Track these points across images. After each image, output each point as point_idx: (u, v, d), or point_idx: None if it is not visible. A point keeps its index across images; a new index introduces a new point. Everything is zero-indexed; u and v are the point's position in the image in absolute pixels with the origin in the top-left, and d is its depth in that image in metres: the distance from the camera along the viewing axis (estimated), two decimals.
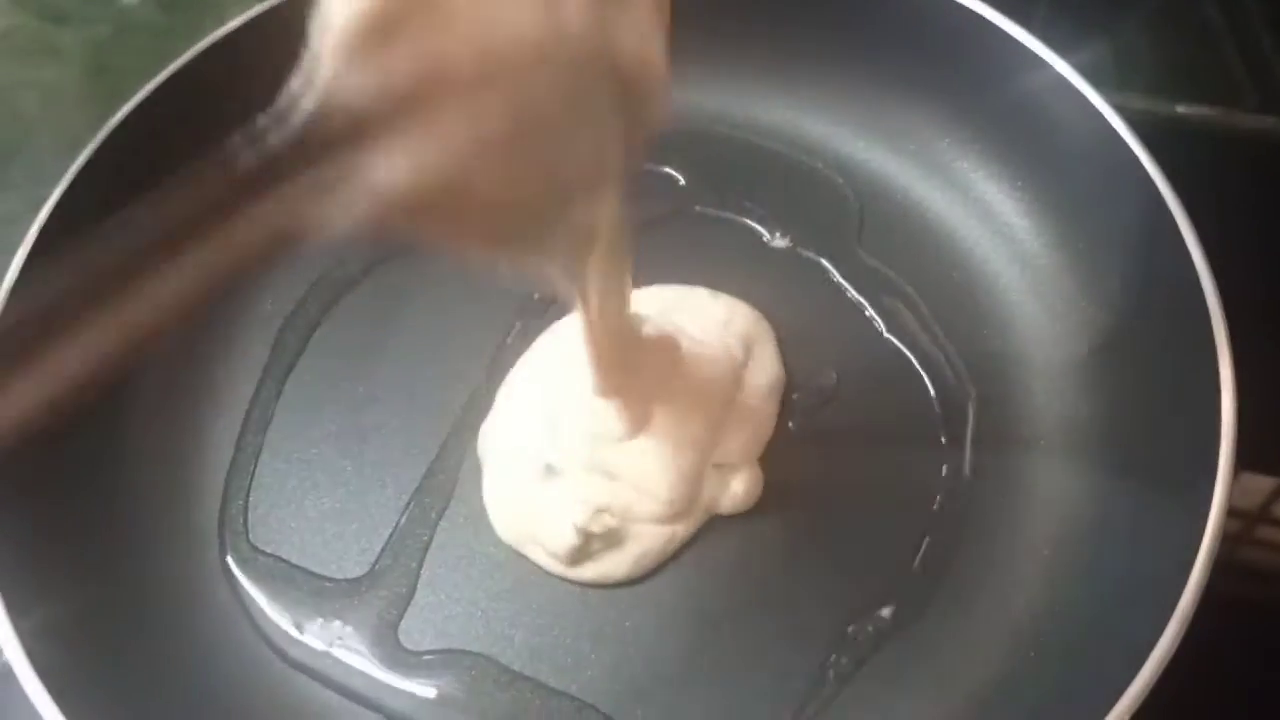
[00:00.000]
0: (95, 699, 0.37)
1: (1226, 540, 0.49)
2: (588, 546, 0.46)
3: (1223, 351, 0.40)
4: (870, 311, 0.51)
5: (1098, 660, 0.37)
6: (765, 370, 0.50)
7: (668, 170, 0.56)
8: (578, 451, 0.47)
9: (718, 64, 0.56)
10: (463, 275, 0.52)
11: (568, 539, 0.45)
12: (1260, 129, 0.64)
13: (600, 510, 0.46)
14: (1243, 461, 0.50)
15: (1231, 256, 0.50)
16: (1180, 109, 0.65)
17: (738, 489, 0.47)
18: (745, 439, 0.48)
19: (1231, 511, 0.49)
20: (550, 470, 0.47)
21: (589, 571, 0.46)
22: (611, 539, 0.46)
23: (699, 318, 0.51)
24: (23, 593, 0.39)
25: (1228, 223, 0.56)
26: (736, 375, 0.49)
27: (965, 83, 0.51)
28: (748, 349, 0.51)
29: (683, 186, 0.55)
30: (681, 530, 0.47)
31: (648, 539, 0.46)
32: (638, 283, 0.43)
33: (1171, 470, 0.40)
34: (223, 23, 0.69)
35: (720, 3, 0.54)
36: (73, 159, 0.64)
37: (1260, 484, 0.51)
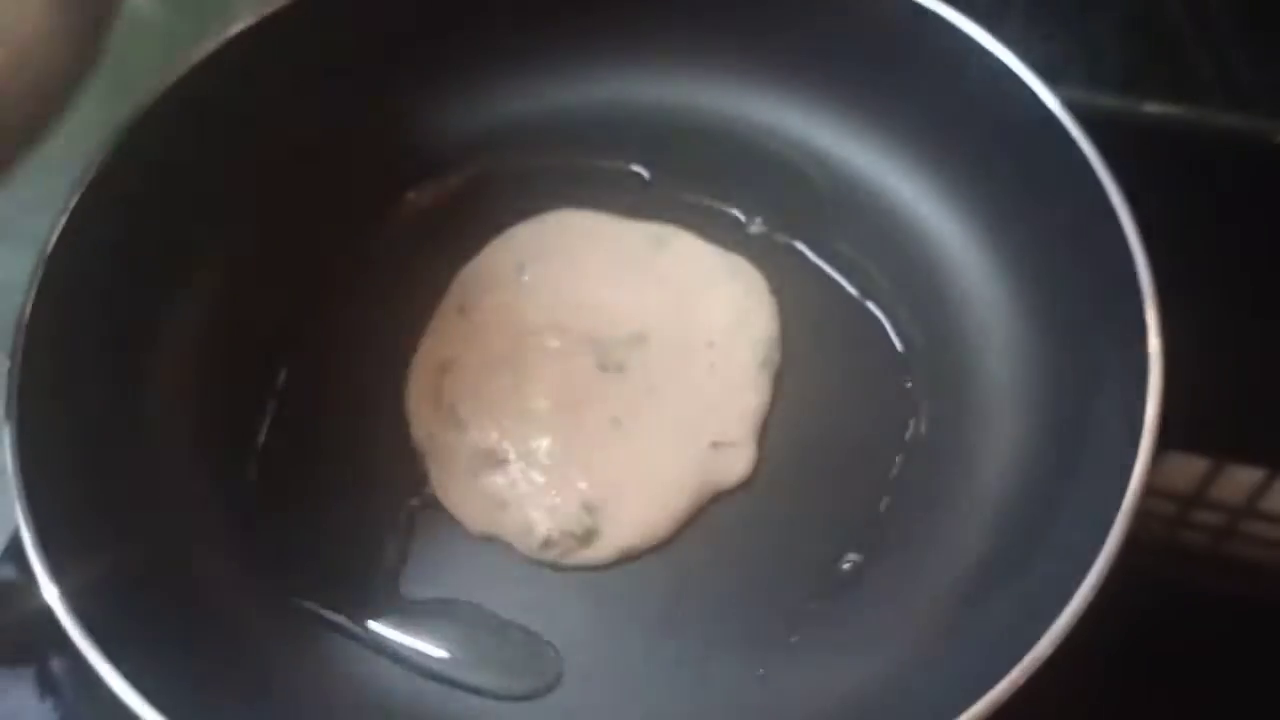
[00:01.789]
0: (134, 641, 0.41)
1: (1162, 522, 0.53)
2: (560, 545, 0.48)
3: (1153, 334, 0.43)
4: (847, 289, 0.54)
5: (1030, 606, 0.40)
6: (758, 342, 0.52)
7: (635, 168, 0.59)
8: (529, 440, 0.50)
9: (694, 61, 0.59)
10: None
11: (530, 545, 0.48)
12: (1225, 126, 0.66)
13: (577, 508, 0.48)
14: (1179, 443, 0.54)
15: (1187, 246, 0.52)
16: (1149, 107, 0.67)
17: (739, 466, 0.50)
18: (743, 414, 0.51)
19: (1170, 494, 0.53)
20: (500, 459, 0.50)
21: (569, 562, 0.48)
22: (590, 536, 0.48)
23: (692, 267, 0.54)
24: (70, 558, 0.42)
25: (1190, 215, 0.58)
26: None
27: (928, 81, 0.54)
28: (741, 315, 0.53)
29: (649, 180, 0.59)
30: (677, 518, 0.48)
31: (637, 532, 0.48)
32: None
33: (1105, 440, 0.43)
34: (229, 22, 0.73)
35: (694, 4, 0.57)
36: (82, 151, 0.68)
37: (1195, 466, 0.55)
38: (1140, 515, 0.51)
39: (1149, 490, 0.51)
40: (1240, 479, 0.55)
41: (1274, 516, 0.54)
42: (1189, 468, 0.55)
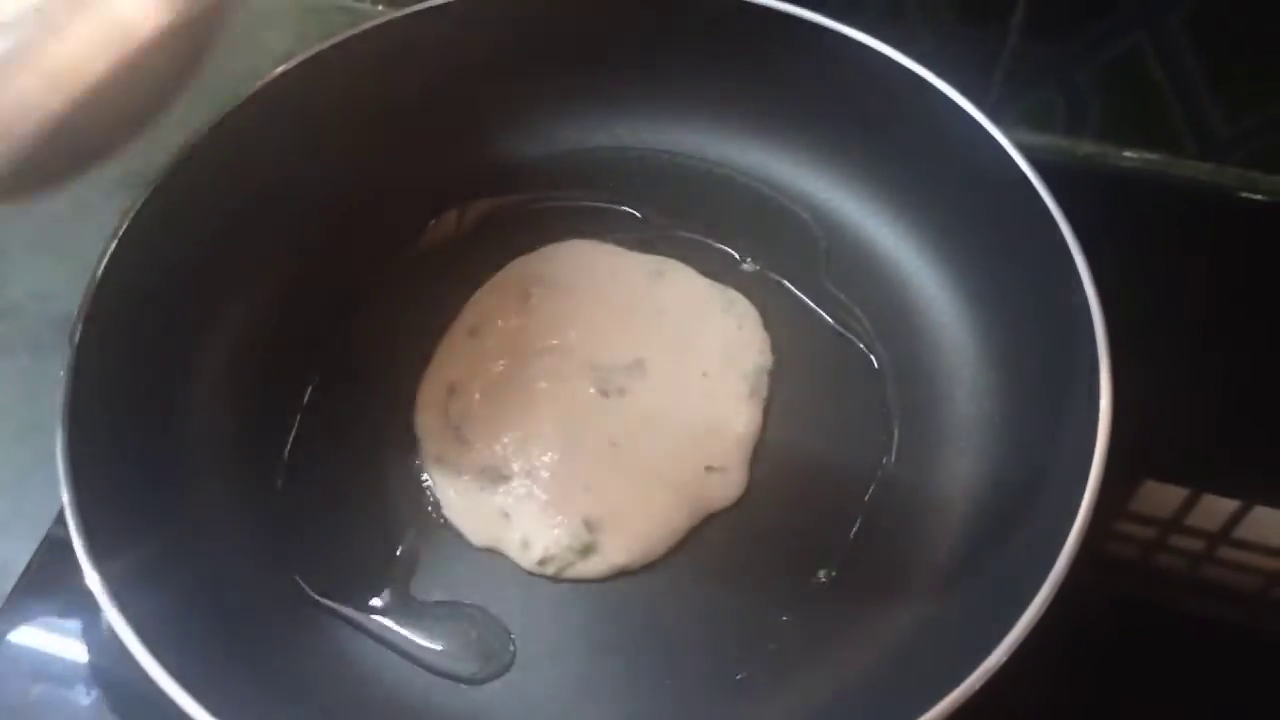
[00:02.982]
0: (168, 626, 0.44)
1: (1140, 546, 0.56)
2: (558, 560, 0.51)
3: (1104, 374, 0.46)
4: (833, 325, 0.58)
5: (985, 620, 0.43)
6: (749, 373, 0.56)
7: (638, 210, 0.63)
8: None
9: (697, 114, 0.64)
10: None
11: (529, 560, 0.51)
12: (1198, 176, 0.70)
13: (577, 525, 0.51)
14: (1156, 473, 0.57)
15: (1149, 285, 0.58)
16: (1127, 154, 0.71)
17: (730, 489, 0.52)
18: (734, 441, 0.54)
19: (1146, 519, 0.57)
20: (503, 477, 0.53)
21: (567, 575, 0.51)
22: (588, 551, 0.51)
23: (689, 299, 0.58)
24: (110, 544, 0.45)
25: (1168, 257, 0.63)
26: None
27: (911, 138, 0.58)
28: (734, 348, 0.56)
29: (652, 221, 0.63)
30: (672, 538, 0.51)
31: (634, 550, 0.51)
32: None
33: (1058, 478, 0.47)
34: (257, 46, 0.75)
35: (697, 64, 0.62)
36: (117, 166, 0.68)
37: (1172, 495, 0.58)
38: (1120, 539, 0.55)
39: (1130, 516, 0.56)
40: (1216, 508, 0.57)
41: (1246, 543, 0.57)
42: (1167, 496, 0.58)
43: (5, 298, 0.68)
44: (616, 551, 0.51)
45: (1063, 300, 0.49)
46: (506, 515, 0.52)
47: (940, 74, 0.56)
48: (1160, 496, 0.58)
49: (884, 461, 0.54)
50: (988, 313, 0.56)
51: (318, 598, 0.51)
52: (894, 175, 0.60)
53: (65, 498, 0.45)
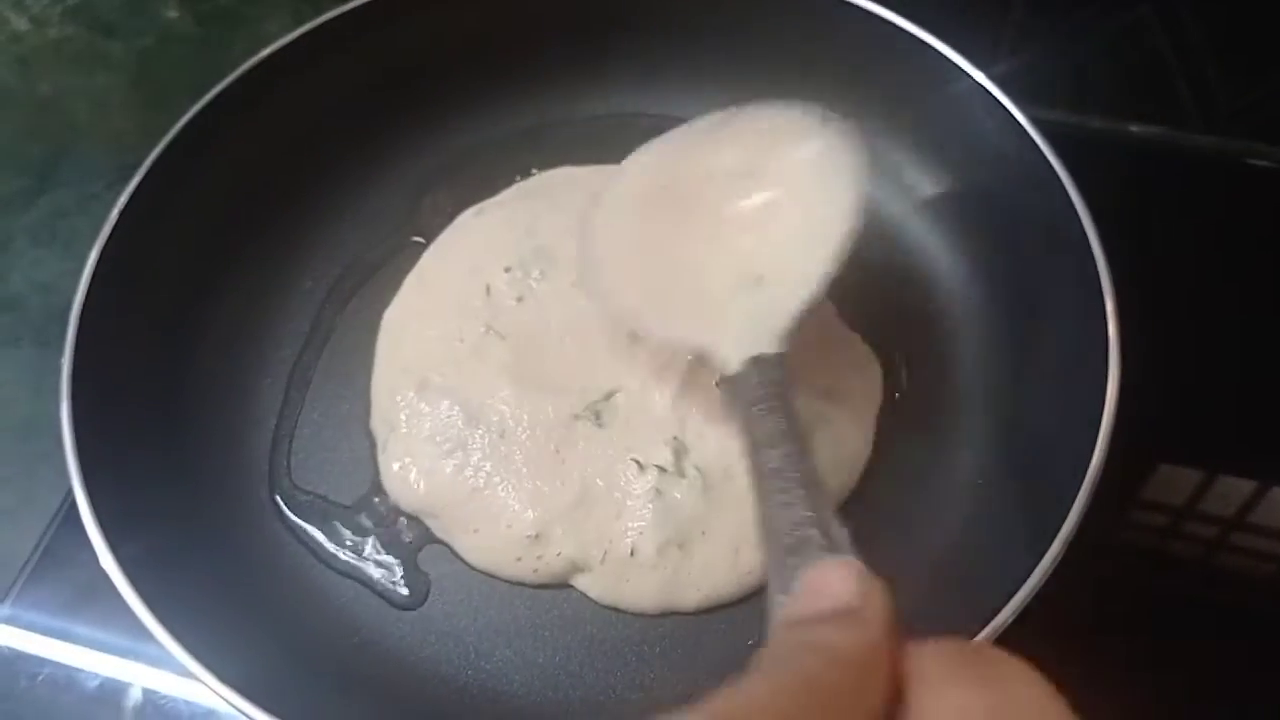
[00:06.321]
0: (179, 605, 0.44)
1: (1154, 533, 0.56)
2: (538, 575, 0.50)
3: (1113, 342, 0.46)
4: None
5: (990, 588, 0.43)
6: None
7: None
8: None
9: (698, 80, 0.63)
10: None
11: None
12: (1204, 147, 0.70)
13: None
14: (1170, 456, 0.57)
15: (1161, 257, 0.58)
16: (1133, 128, 0.71)
17: None
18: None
19: (1159, 506, 0.56)
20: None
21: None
22: (573, 571, 0.49)
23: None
24: (120, 527, 0.45)
25: (1164, 229, 0.63)
26: None
27: (913, 102, 0.58)
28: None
29: None
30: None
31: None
32: None
33: (1067, 438, 0.46)
34: (256, 37, 0.77)
35: (696, 32, 0.62)
36: (119, 159, 0.72)
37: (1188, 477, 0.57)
38: (1134, 527, 0.55)
39: (1143, 503, 0.56)
40: (1230, 492, 0.57)
41: (1261, 529, 0.56)
42: (1181, 480, 0.57)
43: (9, 289, 0.69)
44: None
45: (1072, 270, 0.49)
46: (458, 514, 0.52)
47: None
48: (1170, 477, 0.57)
49: (895, 424, 0.54)
50: (995, 284, 0.56)
51: (328, 565, 0.51)
52: (900, 149, 0.60)
53: (75, 484, 0.45)
